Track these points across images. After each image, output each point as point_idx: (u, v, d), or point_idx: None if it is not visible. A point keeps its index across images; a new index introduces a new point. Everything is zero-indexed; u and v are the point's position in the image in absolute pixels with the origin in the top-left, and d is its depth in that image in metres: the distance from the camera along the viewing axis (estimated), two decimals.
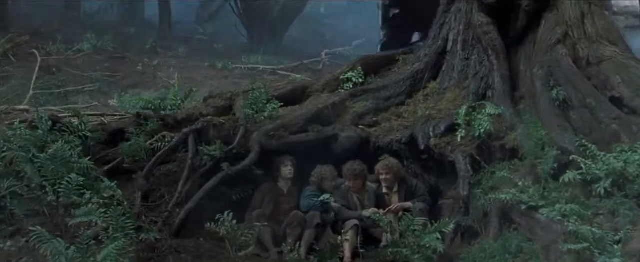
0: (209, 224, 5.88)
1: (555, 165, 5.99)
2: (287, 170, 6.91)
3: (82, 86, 12.34)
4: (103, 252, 4.42)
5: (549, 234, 5.41)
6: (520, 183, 5.97)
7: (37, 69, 12.29)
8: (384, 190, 6.86)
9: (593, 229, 4.78)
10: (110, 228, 4.87)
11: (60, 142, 6.12)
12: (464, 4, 8.23)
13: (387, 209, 6.53)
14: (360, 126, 7.55)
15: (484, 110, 6.94)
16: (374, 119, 7.68)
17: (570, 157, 5.81)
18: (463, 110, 7.03)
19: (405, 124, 7.50)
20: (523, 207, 5.70)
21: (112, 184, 6.08)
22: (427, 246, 5.66)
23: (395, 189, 6.83)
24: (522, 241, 5.50)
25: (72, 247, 4.52)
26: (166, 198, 6.60)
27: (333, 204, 6.66)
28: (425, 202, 6.64)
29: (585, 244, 4.69)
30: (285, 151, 7.07)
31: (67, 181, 5.60)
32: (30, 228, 4.68)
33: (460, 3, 8.34)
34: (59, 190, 5.61)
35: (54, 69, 12.71)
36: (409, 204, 6.56)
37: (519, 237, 5.57)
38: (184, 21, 19.63)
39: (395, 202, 6.68)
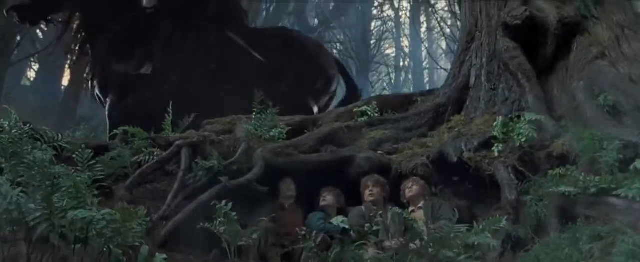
0: (202, 223, 4.78)
1: (621, 156, 5.00)
2: (285, 186, 6.02)
3: None
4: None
5: (630, 216, 4.37)
6: (581, 177, 4.94)
7: None
8: (410, 207, 5.78)
9: None
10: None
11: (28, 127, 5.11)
12: (485, 38, 7.69)
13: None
14: (379, 152, 6.58)
15: (523, 119, 6.04)
16: (394, 146, 6.73)
17: None
18: (499, 121, 6.13)
19: (431, 151, 6.52)
20: (592, 191, 4.63)
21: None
22: (475, 243, 4.52)
23: (420, 204, 5.75)
24: (595, 229, 4.36)
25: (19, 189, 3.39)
26: (152, 212, 5.46)
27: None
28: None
29: None
30: (293, 170, 6.07)
31: (30, 159, 4.50)
32: None
33: (480, 40, 7.81)
34: (19, 169, 4.51)
35: None
36: None
37: (590, 227, 4.44)
38: None
39: (420, 218, 5.58)
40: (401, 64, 29.84)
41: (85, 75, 9.35)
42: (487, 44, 7.60)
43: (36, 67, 23.60)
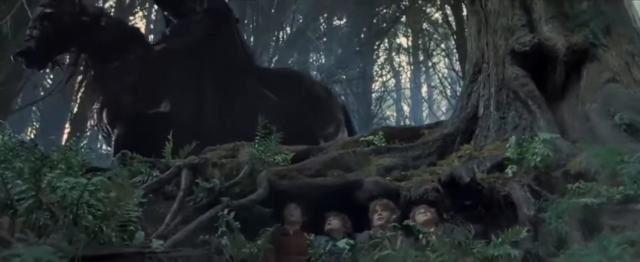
0: (202, 235, 4.50)
1: None
2: (288, 212, 5.71)
3: None
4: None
5: None
6: (603, 189, 4.69)
7: None
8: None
9: None
10: None
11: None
12: (493, 68, 7.58)
13: None
14: (388, 178, 6.32)
15: (537, 139, 5.82)
16: (403, 173, 6.47)
17: None
18: (512, 141, 5.91)
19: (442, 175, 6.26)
20: (618, 198, 4.36)
21: None
22: (496, 254, 4.21)
23: (432, 229, 5.45)
24: (624, 236, 4.07)
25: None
26: (149, 231, 5.16)
27: None
28: None
29: None
30: (298, 194, 5.80)
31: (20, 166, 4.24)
32: None
33: (487, 71, 7.71)
34: (8, 174, 4.25)
35: None
36: None
37: (618, 235, 4.15)
38: None
39: None
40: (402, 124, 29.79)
41: (93, 107, 9.13)
42: (495, 74, 7.48)
43: (37, 124, 23.56)
